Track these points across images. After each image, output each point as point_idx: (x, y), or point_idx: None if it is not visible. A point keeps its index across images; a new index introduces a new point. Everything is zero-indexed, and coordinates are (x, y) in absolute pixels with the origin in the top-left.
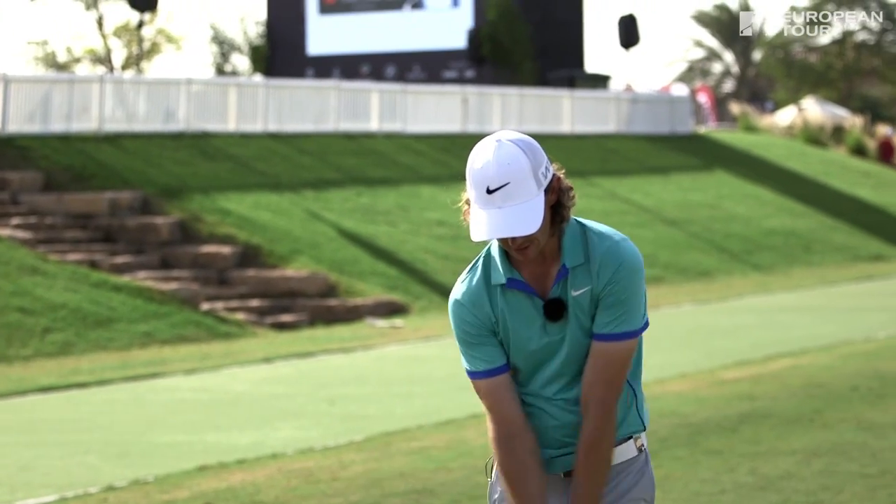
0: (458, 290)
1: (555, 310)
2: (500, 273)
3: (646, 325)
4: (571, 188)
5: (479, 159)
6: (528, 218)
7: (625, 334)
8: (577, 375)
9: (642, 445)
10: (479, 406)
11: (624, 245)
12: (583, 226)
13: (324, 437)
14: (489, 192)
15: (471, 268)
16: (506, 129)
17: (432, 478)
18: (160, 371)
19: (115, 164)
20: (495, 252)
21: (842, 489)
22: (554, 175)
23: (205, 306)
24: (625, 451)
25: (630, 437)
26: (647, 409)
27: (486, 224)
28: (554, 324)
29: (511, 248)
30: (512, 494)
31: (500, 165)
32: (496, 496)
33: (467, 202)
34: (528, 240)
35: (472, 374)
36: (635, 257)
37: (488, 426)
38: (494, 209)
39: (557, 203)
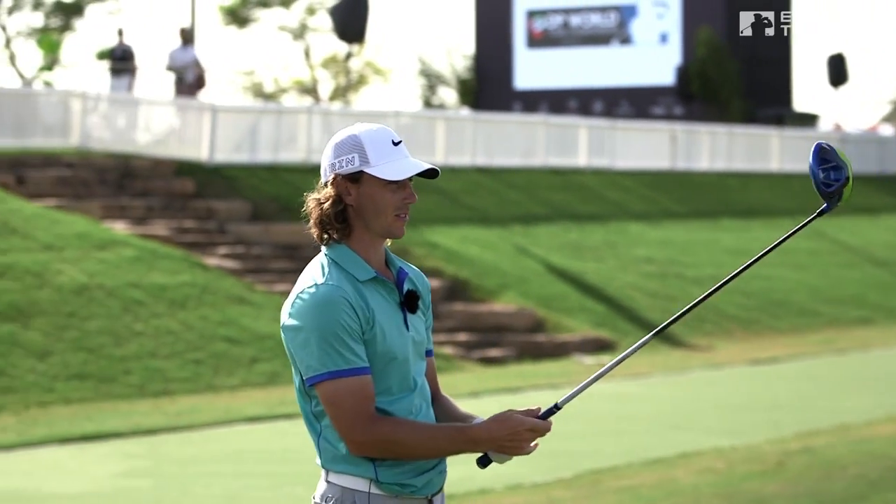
0: (327, 287)
1: (414, 300)
2: (364, 269)
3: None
4: None
5: (365, 126)
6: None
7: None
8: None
9: None
10: (689, 445)
11: None
12: None
13: (532, 473)
14: (395, 143)
15: (325, 272)
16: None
17: None
18: None
19: None
20: (341, 255)
21: None
22: None
23: None
24: None
25: None
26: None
27: (404, 165)
28: (412, 318)
29: (403, 209)
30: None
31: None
32: None
33: (339, 179)
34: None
35: (350, 372)
36: None
37: (353, 422)
38: (404, 158)
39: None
